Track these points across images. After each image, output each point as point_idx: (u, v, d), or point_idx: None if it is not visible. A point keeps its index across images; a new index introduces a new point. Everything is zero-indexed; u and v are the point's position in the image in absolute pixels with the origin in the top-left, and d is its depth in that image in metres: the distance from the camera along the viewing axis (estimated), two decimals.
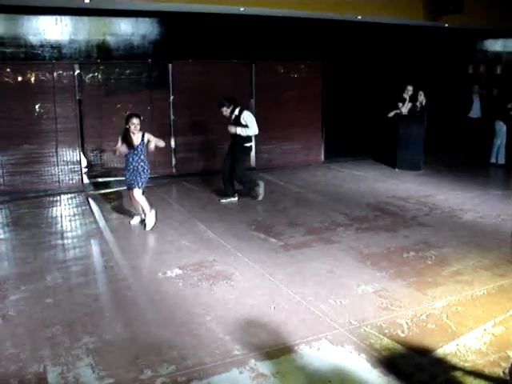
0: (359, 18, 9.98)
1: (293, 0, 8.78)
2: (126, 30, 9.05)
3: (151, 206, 6.44)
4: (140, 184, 6.30)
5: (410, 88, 10.24)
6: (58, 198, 8.20)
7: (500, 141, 10.73)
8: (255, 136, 8.19)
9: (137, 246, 5.93)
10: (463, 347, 3.61)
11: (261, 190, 7.71)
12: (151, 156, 6.96)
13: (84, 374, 3.31)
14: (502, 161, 10.78)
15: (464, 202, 7.73)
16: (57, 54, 8.55)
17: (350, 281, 4.76)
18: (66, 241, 6.08)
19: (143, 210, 6.44)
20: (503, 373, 3.25)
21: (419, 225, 6.57)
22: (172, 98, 9.34)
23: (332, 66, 10.84)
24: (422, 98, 10.21)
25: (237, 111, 7.41)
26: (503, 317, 4.06)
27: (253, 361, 3.44)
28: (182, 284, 4.73)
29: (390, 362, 3.44)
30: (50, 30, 8.44)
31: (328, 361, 3.44)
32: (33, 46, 8.37)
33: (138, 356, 3.50)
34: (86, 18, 8.65)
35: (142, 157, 6.28)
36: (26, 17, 8.25)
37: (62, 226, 6.72)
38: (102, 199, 7.99)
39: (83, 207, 7.62)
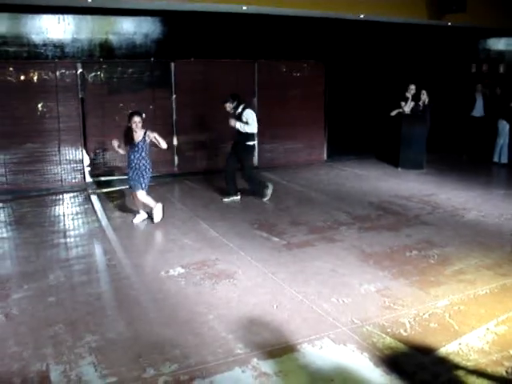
0: (361, 16, 9.97)
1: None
2: (128, 28, 9.07)
3: (156, 201, 6.51)
4: (143, 185, 6.38)
5: (412, 87, 10.21)
6: (61, 196, 8.22)
7: (503, 140, 10.68)
8: (258, 134, 8.18)
9: (139, 245, 5.94)
10: (466, 346, 3.60)
11: (269, 191, 7.71)
12: (153, 154, 6.98)
13: (86, 372, 3.32)
14: (504, 160, 10.73)
15: (467, 201, 7.71)
16: (59, 53, 8.57)
17: (353, 280, 4.76)
18: (68, 239, 6.09)
19: (148, 207, 6.50)
20: (506, 372, 3.25)
21: (422, 224, 6.56)
22: (174, 96, 9.34)
23: (335, 65, 10.82)
24: (424, 97, 10.17)
25: (240, 108, 7.45)
26: (506, 316, 4.05)
27: (255, 359, 3.44)
28: (184, 283, 4.73)
29: (392, 360, 3.43)
30: (52, 28, 8.46)
31: (330, 360, 3.44)
32: (35, 45, 8.40)
33: (141, 354, 3.50)
34: (88, 17, 8.67)
35: (143, 154, 6.34)
36: (29, 16, 8.27)
37: (64, 225, 6.73)
38: (105, 198, 8.01)
39: (86, 206, 7.63)
